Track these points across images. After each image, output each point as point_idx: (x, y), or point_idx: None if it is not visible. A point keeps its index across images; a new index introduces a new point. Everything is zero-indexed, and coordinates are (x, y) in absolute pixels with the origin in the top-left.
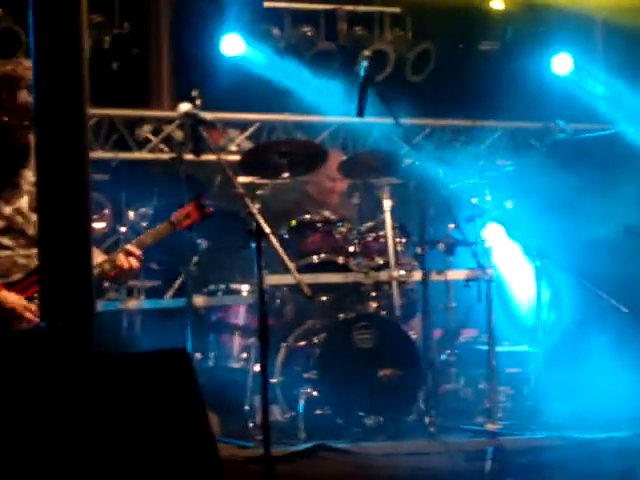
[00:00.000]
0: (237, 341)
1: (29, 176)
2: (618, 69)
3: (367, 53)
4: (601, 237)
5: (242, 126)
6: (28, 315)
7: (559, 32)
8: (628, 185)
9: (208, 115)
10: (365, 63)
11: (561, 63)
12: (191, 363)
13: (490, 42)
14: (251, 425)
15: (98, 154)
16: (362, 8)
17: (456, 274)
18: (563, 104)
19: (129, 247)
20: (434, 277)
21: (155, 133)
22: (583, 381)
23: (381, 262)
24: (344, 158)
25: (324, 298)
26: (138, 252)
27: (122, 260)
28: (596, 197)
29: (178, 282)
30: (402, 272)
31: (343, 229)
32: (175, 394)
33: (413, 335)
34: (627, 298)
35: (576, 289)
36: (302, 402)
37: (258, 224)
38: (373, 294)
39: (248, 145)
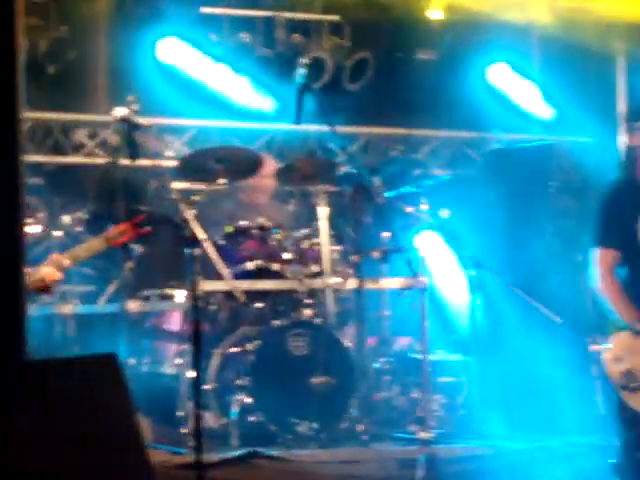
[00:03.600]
0: (171, 347)
1: None
2: (555, 79)
3: (305, 60)
4: (534, 247)
5: (179, 132)
6: None
7: (496, 42)
8: (561, 196)
9: (144, 120)
10: (302, 70)
11: (498, 73)
12: (121, 368)
13: (427, 51)
14: (184, 431)
15: (33, 158)
16: (300, 15)
17: (391, 282)
18: (499, 114)
19: (63, 261)
20: (369, 285)
21: (91, 137)
22: (516, 391)
23: (316, 269)
24: (280, 165)
25: (259, 305)
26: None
27: (51, 273)
28: (531, 207)
29: (112, 287)
30: (337, 280)
31: (278, 236)
32: (105, 399)
33: (347, 343)
34: (560, 308)
35: (510, 298)
36: (235, 409)
37: (192, 230)
38: (307, 301)
39: (185, 151)
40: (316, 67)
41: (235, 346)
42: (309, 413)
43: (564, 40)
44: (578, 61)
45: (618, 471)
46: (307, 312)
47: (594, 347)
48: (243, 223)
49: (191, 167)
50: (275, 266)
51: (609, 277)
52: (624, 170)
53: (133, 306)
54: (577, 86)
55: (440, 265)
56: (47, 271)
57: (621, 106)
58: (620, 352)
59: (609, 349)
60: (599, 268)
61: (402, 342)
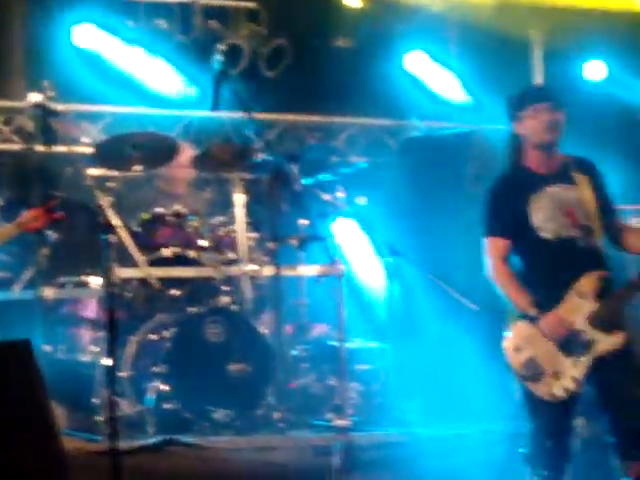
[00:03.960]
0: (87, 334)
1: None
2: (472, 67)
3: (221, 47)
4: (452, 235)
5: (95, 118)
6: None
7: (414, 30)
8: (477, 184)
9: (59, 106)
10: (219, 57)
11: (416, 61)
12: (34, 354)
13: (345, 39)
14: (99, 419)
15: None
16: (217, 2)
17: (308, 270)
18: (417, 102)
19: None
20: (286, 272)
21: (6, 123)
22: (432, 378)
23: (232, 257)
24: (196, 152)
25: (175, 292)
26: None
27: None
28: (448, 195)
29: (28, 274)
30: (254, 267)
31: (195, 223)
32: (18, 385)
33: (264, 330)
34: (476, 295)
35: (427, 286)
36: (151, 396)
37: (107, 217)
38: (224, 289)
39: (101, 137)
40: (233, 54)
41: (151, 333)
42: (225, 400)
43: (481, 27)
44: (495, 48)
45: (528, 460)
46: (224, 299)
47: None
48: (159, 210)
49: (107, 153)
50: (191, 253)
51: (501, 266)
52: (510, 158)
53: (48, 293)
54: (494, 73)
55: (357, 252)
56: None
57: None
58: (520, 341)
59: (509, 339)
60: (491, 257)
61: (319, 329)
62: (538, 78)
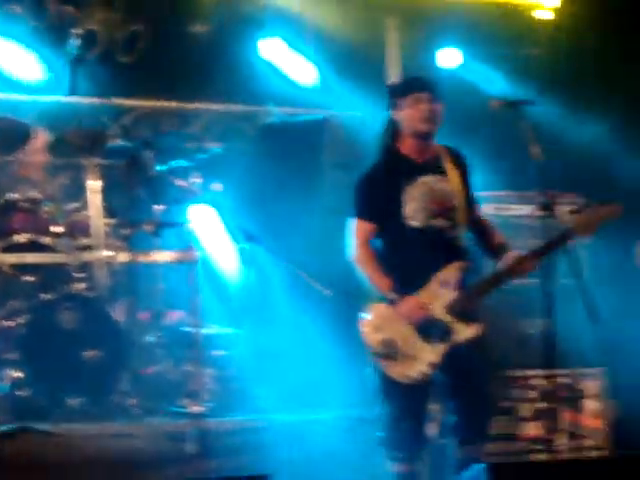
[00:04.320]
0: None
1: None
2: (328, 54)
3: (76, 32)
4: (307, 221)
5: None
6: None
7: (269, 16)
8: (334, 170)
9: None
10: (75, 42)
11: (272, 47)
12: None
13: (201, 25)
14: None
15: None
16: None
17: (163, 256)
18: (273, 88)
19: None
20: (141, 258)
21: None
22: (288, 363)
23: (87, 243)
24: (51, 137)
25: (29, 278)
26: None
27: None
28: (303, 181)
29: None
30: (108, 253)
31: (49, 209)
32: None
33: (119, 317)
34: (334, 281)
35: (283, 272)
36: (5, 383)
37: None
38: (79, 275)
39: None
40: (88, 39)
41: (4, 320)
42: (80, 387)
43: (337, 15)
44: (350, 35)
45: (384, 442)
46: (78, 286)
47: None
48: (13, 196)
49: None
50: (45, 239)
51: (365, 248)
52: (386, 144)
53: None
54: (350, 60)
55: (213, 239)
56: None
57: (393, 81)
58: (378, 321)
59: (367, 319)
60: (356, 239)
61: (175, 316)
62: (393, 65)
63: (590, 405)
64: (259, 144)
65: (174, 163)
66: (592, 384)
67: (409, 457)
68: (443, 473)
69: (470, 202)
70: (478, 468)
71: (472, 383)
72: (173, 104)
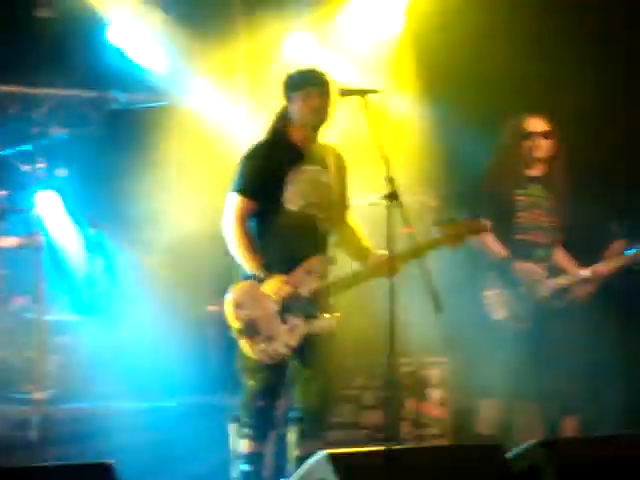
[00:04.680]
0: None
1: None
2: (177, 40)
3: None
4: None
5: None
6: None
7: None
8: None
9: None
10: None
11: (117, 33)
12: None
13: (47, 9)
14: None
15: None
16: None
17: (8, 241)
18: (120, 74)
19: None
20: None
21: None
22: (134, 351)
23: None
24: None
25: None
26: None
27: None
28: (150, 167)
29: None
30: None
31: None
32: None
33: None
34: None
35: (128, 258)
36: None
37: None
38: None
39: None
40: None
41: None
42: None
43: (186, 1)
44: (201, 22)
45: (237, 419)
46: None
47: (211, 308)
48: None
49: None
50: None
51: (241, 225)
52: (275, 129)
53: None
54: (199, 47)
55: (59, 225)
56: None
57: (241, 69)
58: (242, 299)
59: (232, 296)
60: (233, 214)
61: (18, 301)
62: (241, 52)
63: (434, 394)
64: (105, 130)
65: (18, 148)
66: (436, 373)
67: (260, 436)
68: (284, 460)
69: (344, 203)
70: (320, 457)
71: (319, 375)
72: (18, 88)
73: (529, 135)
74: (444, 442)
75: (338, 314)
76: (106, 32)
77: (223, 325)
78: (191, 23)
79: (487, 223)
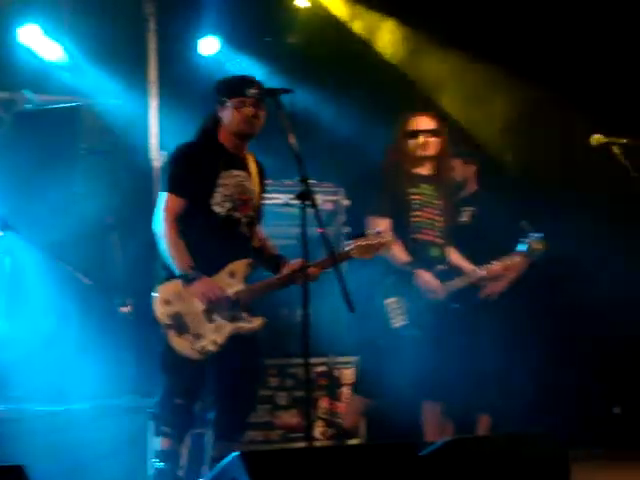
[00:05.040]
0: None
1: None
2: (83, 40)
3: None
4: (67, 209)
5: None
6: None
7: (26, 2)
8: (91, 158)
9: None
10: None
11: (26, 33)
12: None
13: None
14: None
15: None
16: None
17: None
18: (30, 74)
19: None
20: None
21: None
22: (47, 353)
23: None
24: None
25: None
26: None
27: None
28: (61, 169)
29: None
30: None
31: None
32: None
33: None
34: (93, 270)
35: (41, 261)
36: None
37: None
38: None
39: None
40: None
41: None
42: None
43: (96, 2)
44: (109, 24)
45: (155, 417)
46: None
47: (123, 309)
48: None
49: None
50: None
51: (171, 223)
52: (207, 131)
53: None
54: (109, 49)
55: None
56: None
57: (151, 70)
58: (169, 296)
59: (159, 293)
60: (164, 212)
61: None
62: (152, 55)
63: (347, 393)
64: (15, 131)
65: None
66: (348, 372)
67: (176, 434)
68: (200, 460)
69: (260, 212)
70: (233, 457)
71: (240, 379)
72: None
73: (417, 133)
74: (358, 441)
75: (261, 318)
76: (18, 33)
77: (136, 327)
78: (101, 23)
79: (393, 239)
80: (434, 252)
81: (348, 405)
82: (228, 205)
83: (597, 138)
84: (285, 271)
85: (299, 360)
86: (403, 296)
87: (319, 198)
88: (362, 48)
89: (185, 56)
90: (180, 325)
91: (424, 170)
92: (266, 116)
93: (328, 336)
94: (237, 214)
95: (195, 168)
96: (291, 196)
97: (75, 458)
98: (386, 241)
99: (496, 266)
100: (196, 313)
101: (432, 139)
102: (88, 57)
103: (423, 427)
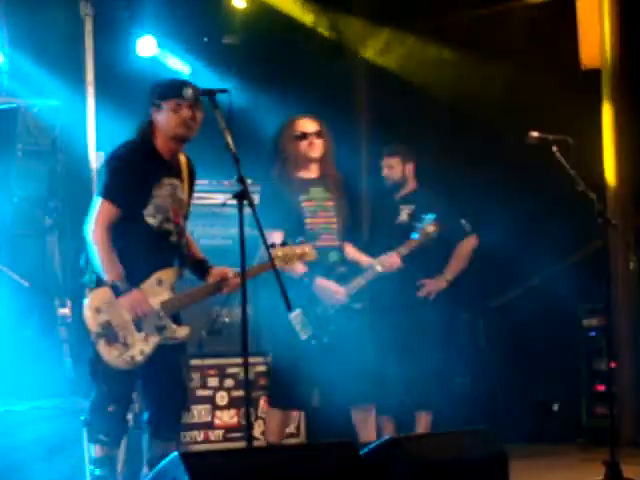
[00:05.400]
0: None
1: None
2: (20, 40)
3: None
4: (3, 211)
5: None
6: None
7: None
8: (28, 159)
9: None
10: None
11: None
12: None
13: None
14: None
15: None
16: None
17: None
18: None
19: None
20: None
21: None
22: None
23: None
24: None
25: None
26: None
27: None
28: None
29: None
30: None
31: None
32: None
33: None
34: (29, 271)
35: None
36: None
37: None
38: None
39: None
40: None
41: None
42: None
43: (32, 3)
44: (46, 24)
45: (88, 426)
46: None
47: (62, 311)
48: None
49: None
50: None
51: (104, 231)
52: (142, 136)
53: None
54: (46, 49)
55: None
56: None
57: (89, 71)
58: (100, 304)
59: (90, 301)
60: (99, 219)
61: None
62: (89, 54)
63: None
64: None
65: None
66: None
67: (111, 441)
68: (137, 466)
69: (187, 212)
70: (171, 458)
71: (171, 379)
72: None
73: (304, 135)
74: (299, 441)
75: (187, 327)
76: None
77: (75, 328)
78: (38, 23)
79: (313, 250)
80: (333, 257)
81: (268, 421)
82: (160, 217)
83: (534, 135)
84: (211, 280)
85: (238, 360)
86: (306, 307)
87: (256, 198)
88: (304, 46)
89: (123, 57)
90: (110, 334)
91: (311, 173)
92: (203, 117)
93: (267, 335)
94: (168, 225)
95: (132, 177)
96: (229, 196)
97: (13, 460)
98: (309, 250)
99: (392, 257)
100: (126, 321)
101: (317, 141)
102: (25, 58)
103: (356, 432)
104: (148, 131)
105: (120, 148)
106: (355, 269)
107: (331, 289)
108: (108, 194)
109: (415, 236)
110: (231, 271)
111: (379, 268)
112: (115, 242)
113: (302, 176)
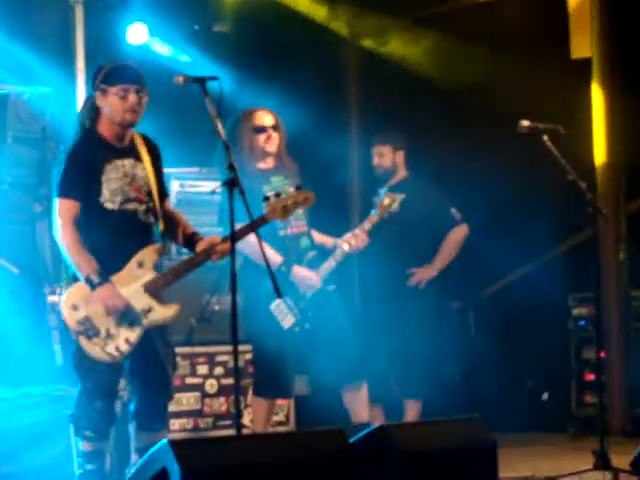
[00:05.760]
0: None
1: None
2: (10, 27)
3: None
4: None
5: None
6: None
7: None
8: (18, 145)
9: None
10: None
11: None
12: None
13: None
14: None
15: None
16: None
17: None
18: None
19: None
20: None
21: None
22: None
23: None
24: None
25: None
26: None
27: None
28: None
29: None
30: None
31: None
32: None
33: None
34: (18, 258)
35: None
36: None
37: None
38: None
39: None
40: None
41: None
42: None
43: None
44: (36, 11)
45: (74, 421)
46: None
47: (52, 298)
48: None
49: None
50: None
51: (70, 228)
52: (84, 124)
53: None
54: (37, 36)
55: None
56: None
57: (79, 58)
58: (77, 301)
59: (66, 298)
60: (60, 218)
61: None
62: (80, 41)
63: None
64: None
65: None
66: None
67: (98, 437)
68: (126, 454)
69: (162, 191)
70: (160, 445)
71: (154, 368)
72: None
73: (263, 129)
74: (288, 429)
75: (175, 305)
76: None
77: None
78: (29, 10)
79: (311, 194)
80: (303, 242)
81: (253, 411)
82: (119, 199)
83: (525, 124)
84: (199, 248)
85: (228, 348)
86: (285, 296)
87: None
88: (294, 34)
89: (113, 44)
90: (89, 329)
91: (268, 164)
92: (148, 101)
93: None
94: (131, 205)
95: (78, 168)
96: (218, 184)
97: (3, 447)
98: (305, 195)
99: (357, 234)
100: (105, 314)
101: (274, 134)
102: (15, 45)
103: (349, 413)
104: (91, 116)
105: (68, 144)
106: (324, 252)
107: (306, 275)
108: (63, 192)
109: (374, 212)
110: (219, 237)
111: (346, 247)
112: (84, 237)
113: (260, 167)
